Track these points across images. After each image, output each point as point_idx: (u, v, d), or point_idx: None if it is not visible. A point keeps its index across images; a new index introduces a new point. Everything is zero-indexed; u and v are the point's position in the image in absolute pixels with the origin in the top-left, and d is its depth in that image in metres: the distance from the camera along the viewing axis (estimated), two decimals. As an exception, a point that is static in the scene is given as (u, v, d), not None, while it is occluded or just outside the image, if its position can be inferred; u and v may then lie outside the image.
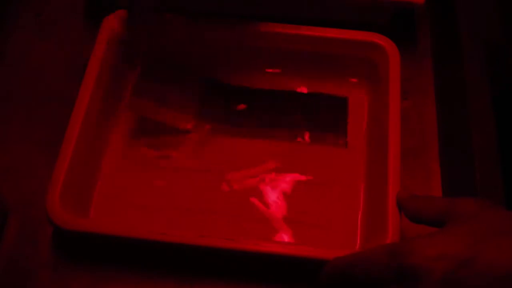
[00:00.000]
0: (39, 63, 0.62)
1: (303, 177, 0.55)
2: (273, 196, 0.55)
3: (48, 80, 0.61)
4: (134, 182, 0.55)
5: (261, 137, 0.57)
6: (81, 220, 0.49)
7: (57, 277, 0.51)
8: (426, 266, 0.36)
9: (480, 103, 0.55)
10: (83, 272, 0.51)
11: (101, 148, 0.56)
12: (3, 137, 0.57)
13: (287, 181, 0.55)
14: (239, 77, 0.61)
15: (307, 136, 0.58)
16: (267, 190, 0.55)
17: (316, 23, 0.58)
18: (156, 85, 0.59)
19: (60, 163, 0.50)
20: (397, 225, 0.48)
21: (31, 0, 0.66)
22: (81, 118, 0.52)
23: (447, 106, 0.60)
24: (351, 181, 0.55)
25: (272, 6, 0.62)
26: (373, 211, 0.52)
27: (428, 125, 0.59)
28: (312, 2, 0.62)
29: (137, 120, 0.58)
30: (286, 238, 0.52)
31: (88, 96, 0.53)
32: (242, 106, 0.59)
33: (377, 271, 0.38)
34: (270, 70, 0.61)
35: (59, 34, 0.64)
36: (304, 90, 0.60)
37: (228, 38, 0.59)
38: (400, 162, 0.51)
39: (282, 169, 0.56)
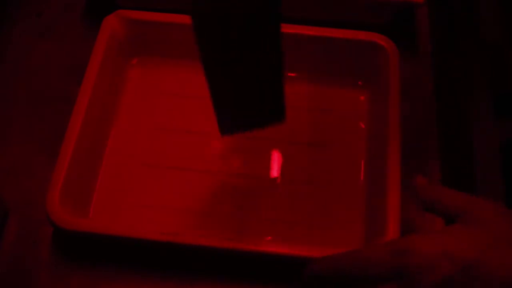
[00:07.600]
0: (39, 63, 0.62)
1: (303, 178, 0.55)
2: (273, 196, 0.54)
3: (48, 80, 0.61)
4: (134, 182, 0.55)
5: (262, 137, 0.57)
6: (81, 220, 0.50)
7: (57, 277, 0.51)
8: (430, 263, 0.36)
9: (480, 103, 0.55)
10: (83, 272, 0.51)
11: (101, 148, 0.56)
12: (3, 137, 0.57)
13: (288, 181, 0.55)
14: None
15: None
16: (267, 190, 0.55)
17: (316, 23, 0.58)
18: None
19: (60, 163, 0.50)
20: (397, 224, 0.48)
21: (31, 0, 0.66)
22: (81, 118, 0.52)
23: (447, 106, 0.60)
24: (351, 180, 0.55)
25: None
26: (373, 210, 0.52)
27: (428, 125, 0.59)
28: (312, 2, 0.62)
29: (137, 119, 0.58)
30: (286, 238, 0.52)
31: (88, 96, 0.53)
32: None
33: (377, 270, 0.37)
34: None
35: (59, 34, 0.64)
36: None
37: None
38: (400, 162, 0.51)
39: (283, 170, 0.56)
